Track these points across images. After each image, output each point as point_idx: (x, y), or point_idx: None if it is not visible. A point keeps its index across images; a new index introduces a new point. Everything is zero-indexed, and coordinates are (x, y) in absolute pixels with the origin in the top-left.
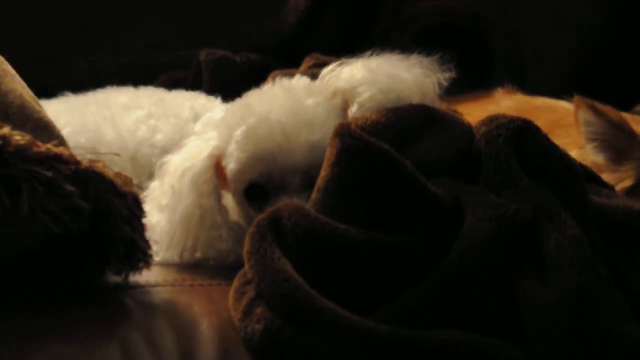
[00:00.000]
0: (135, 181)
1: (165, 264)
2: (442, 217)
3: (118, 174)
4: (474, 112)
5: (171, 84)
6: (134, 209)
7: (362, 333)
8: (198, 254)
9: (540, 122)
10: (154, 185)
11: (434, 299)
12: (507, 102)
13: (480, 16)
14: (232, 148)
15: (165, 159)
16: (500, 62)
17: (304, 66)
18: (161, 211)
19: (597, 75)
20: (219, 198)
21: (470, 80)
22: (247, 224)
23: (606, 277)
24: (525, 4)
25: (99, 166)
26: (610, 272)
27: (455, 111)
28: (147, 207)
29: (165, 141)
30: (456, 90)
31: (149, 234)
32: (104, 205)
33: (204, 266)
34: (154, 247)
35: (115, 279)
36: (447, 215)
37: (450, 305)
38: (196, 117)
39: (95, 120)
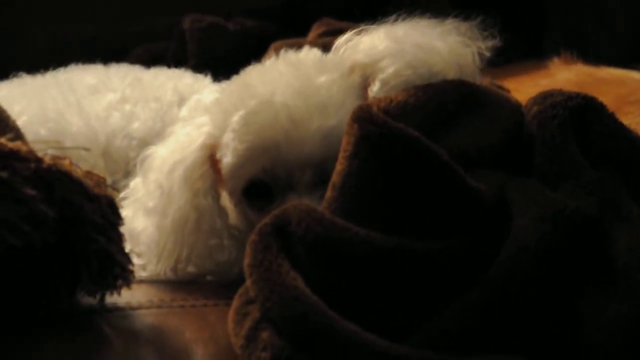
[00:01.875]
0: (109, 180)
1: (150, 281)
2: (486, 218)
3: (88, 173)
4: (525, 87)
5: (149, 60)
6: (109, 215)
7: None
8: (192, 268)
9: (607, 98)
10: (136, 183)
11: (479, 318)
12: (564, 74)
13: None
14: (228, 137)
15: (147, 152)
16: (555, 22)
17: (312, 34)
18: (148, 215)
19: None
20: (217, 197)
21: (519, 47)
22: (247, 230)
23: None
24: None
25: (64, 164)
26: None
27: (501, 87)
28: (127, 211)
29: (144, 131)
30: (502, 60)
31: (132, 244)
32: (73, 211)
33: (199, 283)
34: (140, 260)
35: (88, 300)
36: (492, 216)
37: (499, 326)
38: (181, 101)
39: (57, 107)
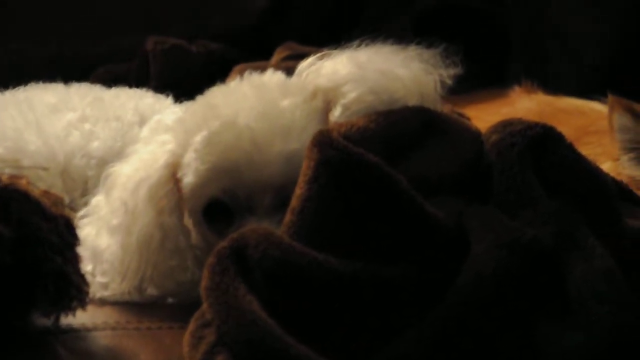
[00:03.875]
0: (66, 200)
1: (109, 302)
2: (444, 244)
3: (46, 193)
4: (485, 115)
5: (111, 80)
6: (66, 235)
7: None
8: (152, 290)
9: (567, 128)
10: (98, 201)
11: (437, 343)
12: (525, 104)
13: None
14: (190, 157)
15: (110, 169)
16: (518, 53)
17: (276, 58)
18: (112, 233)
19: (636, 70)
20: (181, 216)
21: (481, 75)
22: (207, 251)
23: None
24: None
25: (22, 183)
26: None
27: (461, 115)
28: (90, 228)
29: (104, 150)
30: (464, 87)
31: (95, 262)
32: (29, 231)
33: (155, 305)
34: (103, 279)
35: (43, 321)
36: (450, 243)
37: (456, 351)
38: (142, 121)
39: (16, 126)
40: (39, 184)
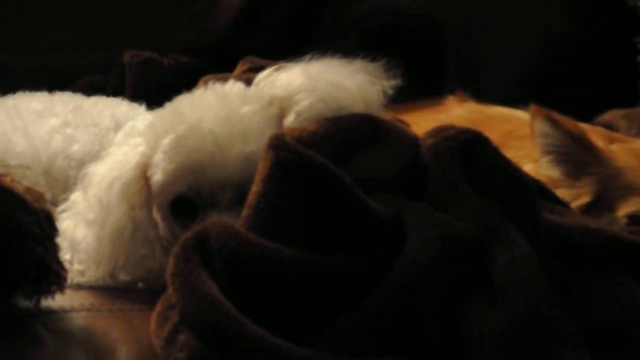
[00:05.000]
0: (48, 196)
1: (86, 287)
2: (384, 236)
3: (29, 190)
4: (423, 122)
5: (91, 89)
6: (47, 227)
7: None
8: (125, 276)
9: (494, 134)
10: (76, 197)
11: (374, 324)
12: (458, 111)
13: (432, 17)
14: (158, 157)
15: (88, 169)
16: (451, 67)
17: (238, 70)
18: (88, 226)
19: (557, 82)
20: (151, 211)
21: (421, 86)
22: (173, 242)
23: (558, 301)
24: (481, 6)
25: (6, 180)
26: (562, 294)
27: (402, 121)
28: (69, 222)
29: (83, 152)
30: (405, 97)
31: (73, 252)
32: (13, 223)
33: (127, 289)
34: (80, 266)
35: (25, 304)
36: (389, 235)
37: (391, 332)
38: (117, 126)
39: (4, 130)
40: (24, 182)
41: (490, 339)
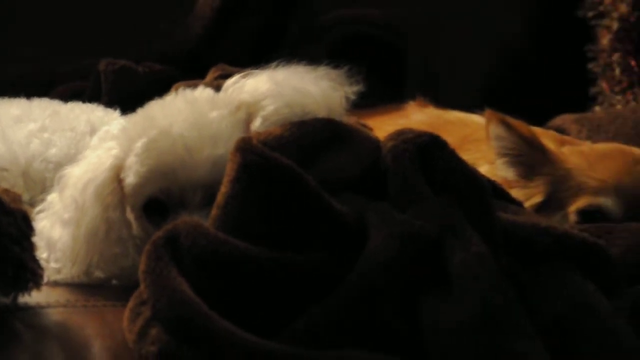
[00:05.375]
0: (26, 197)
1: (62, 284)
2: (347, 235)
3: (6, 191)
4: (385, 126)
5: (69, 96)
6: (23, 227)
7: (261, 354)
8: (100, 273)
9: (452, 137)
10: (52, 197)
11: (337, 318)
12: (419, 116)
13: (396, 27)
14: (131, 160)
15: (64, 171)
16: (413, 74)
17: (209, 77)
18: (64, 226)
19: (513, 89)
20: (124, 211)
21: (384, 92)
22: (146, 240)
23: (512, 296)
24: (441, 15)
25: None
26: (515, 290)
27: (364, 125)
28: (45, 222)
29: (60, 156)
30: (368, 103)
31: (50, 251)
32: None
33: (101, 286)
34: (56, 264)
35: (2, 300)
36: (351, 233)
37: (353, 325)
38: (93, 131)
39: None
40: (3, 184)
41: (447, 331)
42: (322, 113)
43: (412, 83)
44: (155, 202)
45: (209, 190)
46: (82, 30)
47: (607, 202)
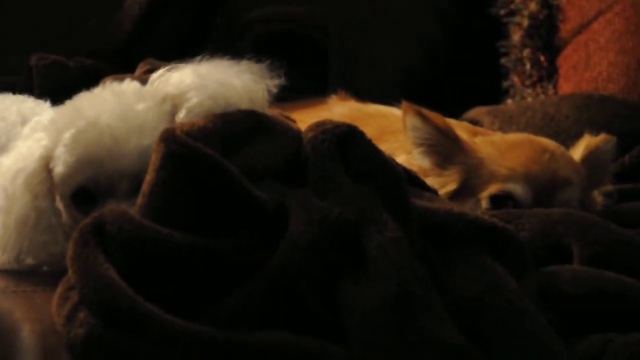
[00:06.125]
0: None
1: None
2: (267, 220)
3: None
4: (308, 118)
5: (1, 89)
6: None
7: (185, 336)
8: (30, 260)
9: (371, 128)
10: None
11: (258, 301)
12: (340, 109)
13: (317, 25)
14: (60, 151)
15: None
16: (335, 69)
17: (138, 71)
18: None
19: (430, 82)
20: (53, 200)
21: (308, 86)
22: (74, 228)
23: (425, 277)
24: (362, 15)
25: None
26: (429, 272)
27: (287, 117)
28: None
29: None
30: (293, 96)
31: None
32: None
33: (31, 272)
34: None
35: None
36: (272, 219)
37: (274, 308)
38: (24, 121)
39: None
40: None
41: (363, 312)
42: (244, 105)
43: (333, 78)
44: (84, 191)
45: (135, 180)
46: (16, 27)
47: (516, 188)
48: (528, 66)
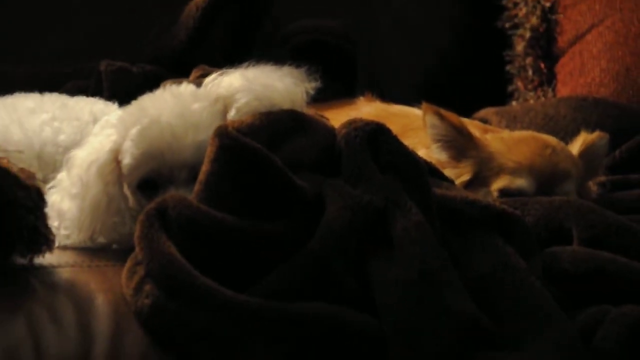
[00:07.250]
0: (40, 175)
1: (71, 248)
2: (307, 206)
3: (22, 170)
4: (339, 117)
5: (76, 92)
6: (37, 200)
7: (236, 306)
8: (102, 239)
9: (395, 126)
10: (62, 176)
11: (298, 278)
12: (367, 109)
13: (347, 35)
14: (127, 145)
15: (71, 154)
16: (363, 74)
17: (192, 76)
18: (72, 199)
19: (445, 87)
20: (121, 187)
21: (338, 89)
22: (139, 211)
23: (444, 256)
24: (385, 27)
25: (4, 162)
26: (447, 252)
27: (322, 116)
28: (56, 196)
29: (68, 141)
30: (325, 98)
31: (60, 220)
32: (9, 197)
33: (103, 250)
34: (66, 232)
35: (21, 261)
36: (311, 205)
37: (312, 284)
38: (95, 120)
39: (3, 123)
40: (20, 164)
41: (391, 286)
42: (286, 105)
43: (361, 82)
44: (148, 180)
45: (192, 170)
46: (85, 37)
47: (522, 180)
48: (530, 72)
